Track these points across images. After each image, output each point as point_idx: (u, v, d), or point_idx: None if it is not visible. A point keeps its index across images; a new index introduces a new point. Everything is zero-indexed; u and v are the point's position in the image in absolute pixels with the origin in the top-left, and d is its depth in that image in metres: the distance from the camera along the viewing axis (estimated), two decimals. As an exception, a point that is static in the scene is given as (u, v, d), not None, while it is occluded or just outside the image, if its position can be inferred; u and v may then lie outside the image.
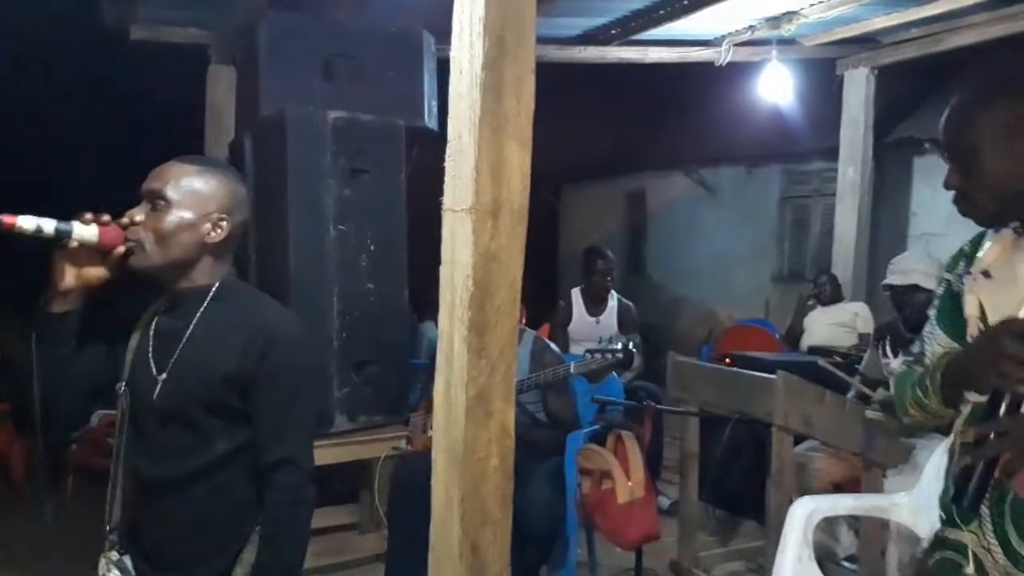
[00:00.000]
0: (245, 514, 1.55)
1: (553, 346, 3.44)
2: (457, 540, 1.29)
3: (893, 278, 3.37)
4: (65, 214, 1.47)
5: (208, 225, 1.54)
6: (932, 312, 1.57)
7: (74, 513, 4.58)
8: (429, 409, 3.40)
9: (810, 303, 5.49)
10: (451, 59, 1.32)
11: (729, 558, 3.70)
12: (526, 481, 2.96)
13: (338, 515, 3.78)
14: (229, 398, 1.52)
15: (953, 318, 1.50)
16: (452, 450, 1.32)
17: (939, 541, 1.52)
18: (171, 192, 1.52)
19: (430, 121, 3.80)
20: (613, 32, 4.96)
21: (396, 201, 3.54)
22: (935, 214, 6.30)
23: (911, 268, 3.30)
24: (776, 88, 5.46)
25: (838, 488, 3.27)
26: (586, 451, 3.18)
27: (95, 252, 1.50)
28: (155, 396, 1.55)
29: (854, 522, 3.23)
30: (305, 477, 1.53)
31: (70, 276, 1.50)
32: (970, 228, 1.52)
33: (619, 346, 3.03)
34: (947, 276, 1.54)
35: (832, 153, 6.01)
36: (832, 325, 5.17)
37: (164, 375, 1.55)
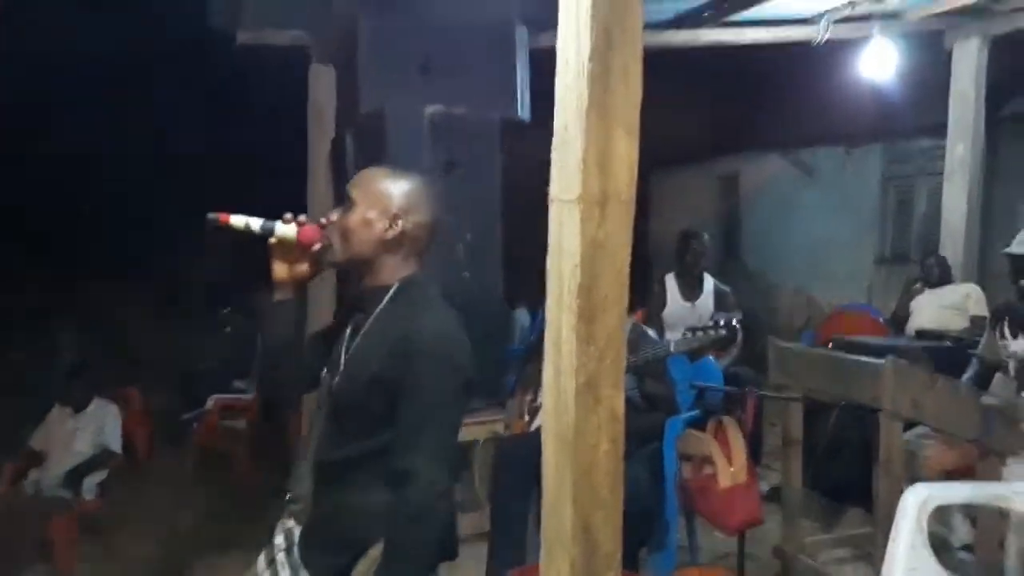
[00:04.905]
0: (379, 516, 1.52)
1: (651, 331, 3.44)
2: (570, 522, 1.32)
3: (1013, 247, 3.28)
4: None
5: (385, 223, 1.63)
6: None
7: (191, 489, 4.90)
8: (524, 394, 3.47)
9: (917, 286, 5.28)
10: (557, 50, 1.34)
11: (835, 545, 3.63)
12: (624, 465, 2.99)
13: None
14: (373, 401, 1.55)
15: None
16: (562, 435, 1.35)
17: None
18: (356, 193, 1.65)
19: (523, 112, 3.84)
20: (706, 15, 4.87)
21: (491, 192, 3.61)
22: (1053, 191, 5.96)
23: None
24: (880, 65, 5.24)
25: (949, 476, 3.17)
26: (687, 436, 3.18)
27: (300, 249, 1.66)
28: (333, 384, 1.64)
29: (970, 510, 3.12)
30: (432, 494, 1.48)
31: (281, 270, 1.69)
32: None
33: (722, 323, 3.00)
34: None
35: (937, 130, 5.74)
36: (942, 308, 4.96)
37: (343, 367, 1.63)
